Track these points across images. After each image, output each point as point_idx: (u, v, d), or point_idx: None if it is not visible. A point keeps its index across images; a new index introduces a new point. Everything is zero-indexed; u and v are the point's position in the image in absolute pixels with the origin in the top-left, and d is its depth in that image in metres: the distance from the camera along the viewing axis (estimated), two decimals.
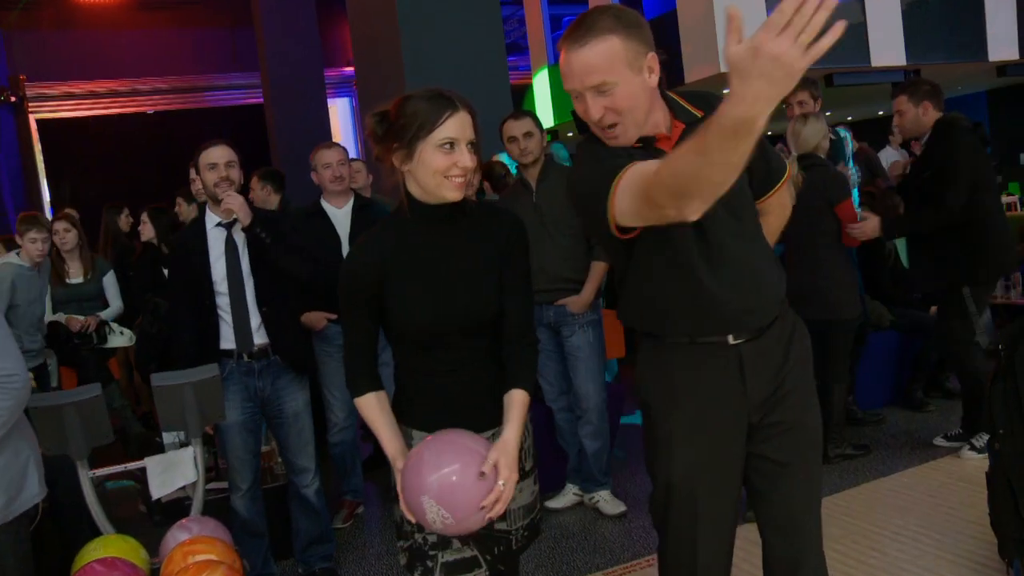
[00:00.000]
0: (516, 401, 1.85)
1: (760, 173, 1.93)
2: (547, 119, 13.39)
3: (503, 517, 1.94)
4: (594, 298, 3.71)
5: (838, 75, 10.53)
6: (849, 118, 15.72)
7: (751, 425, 1.90)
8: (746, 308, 1.84)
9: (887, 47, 10.65)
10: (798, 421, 1.91)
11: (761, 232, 1.94)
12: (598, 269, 3.67)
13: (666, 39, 9.59)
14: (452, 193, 1.80)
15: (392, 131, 1.80)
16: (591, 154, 1.83)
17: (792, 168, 2.15)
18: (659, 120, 1.81)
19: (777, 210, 2.02)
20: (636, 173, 1.59)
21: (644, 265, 1.86)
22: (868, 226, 3.95)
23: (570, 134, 13.94)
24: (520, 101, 12.76)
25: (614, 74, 1.70)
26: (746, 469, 1.95)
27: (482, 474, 1.70)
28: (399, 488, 1.80)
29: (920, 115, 3.96)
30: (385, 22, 5.49)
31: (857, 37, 10.53)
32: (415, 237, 1.87)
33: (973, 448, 3.96)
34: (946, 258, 3.93)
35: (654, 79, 1.76)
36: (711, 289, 1.80)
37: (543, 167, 3.69)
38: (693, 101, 1.86)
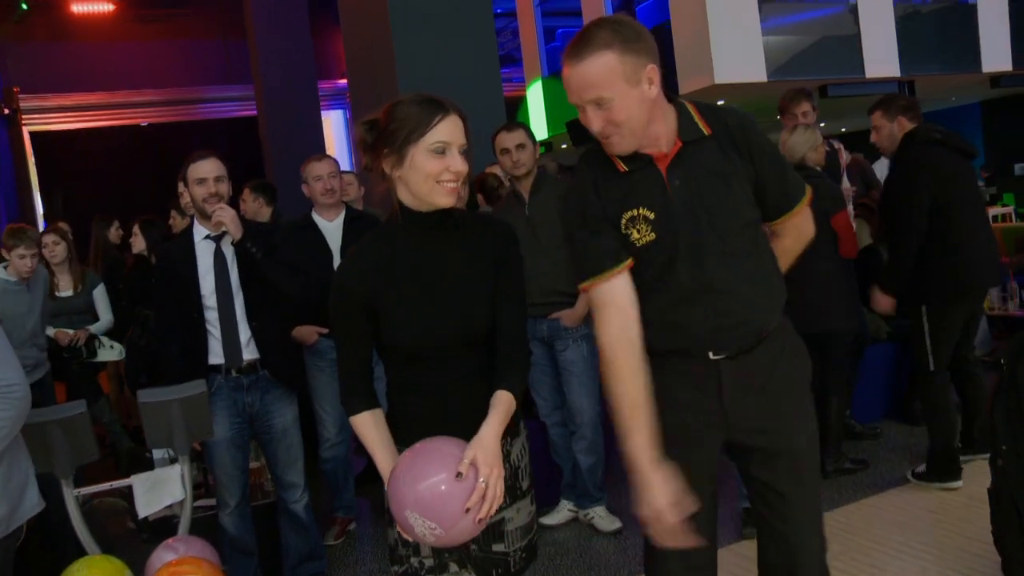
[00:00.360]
0: (499, 399, 1.77)
1: (774, 194, 1.90)
2: (541, 131, 13.43)
3: (501, 538, 1.90)
4: (588, 311, 3.67)
5: (832, 86, 10.57)
6: (843, 129, 15.79)
7: (734, 441, 1.91)
8: (718, 327, 1.84)
9: (881, 58, 10.72)
10: (792, 447, 1.92)
11: (756, 250, 1.89)
12: None
13: (660, 50, 9.59)
14: (444, 199, 1.76)
15: (383, 136, 1.77)
16: (583, 189, 1.89)
17: None
18: (659, 132, 1.81)
19: (793, 233, 2.00)
20: (613, 306, 1.81)
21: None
22: (883, 304, 3.92)
23: (564, 146, 13.97)
24: (514, 113, 12.79)
25: (610, 89, 1.72)
26: (748, 491, 2.00)
27: (459, 474, 1.62)
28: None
29: (895, 130, 3.83)
30: (378, 34, 5.48)
31: (851, 48, 10.59)
32: (407, 245, 1.83)
33: (916, 475, 3.88)
34: (911, 273, 3.78)
35: (654, 90, 1.76)
36: (675, 309, 1.83)
37: (536, 179, 3.66)
38: (706, 114, 1.86)
